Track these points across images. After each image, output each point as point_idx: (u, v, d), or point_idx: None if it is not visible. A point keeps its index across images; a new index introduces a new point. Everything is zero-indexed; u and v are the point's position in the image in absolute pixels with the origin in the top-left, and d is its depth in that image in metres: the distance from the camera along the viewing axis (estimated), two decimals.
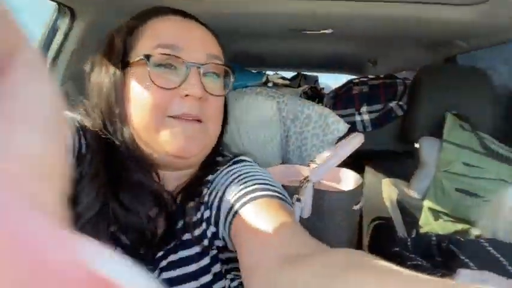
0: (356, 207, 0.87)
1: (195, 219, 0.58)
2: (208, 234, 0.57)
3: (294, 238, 0.44)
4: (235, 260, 0.54)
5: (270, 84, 1.81)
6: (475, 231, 1.00)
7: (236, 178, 0.57)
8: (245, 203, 0.51)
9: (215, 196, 0.57)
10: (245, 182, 0.55)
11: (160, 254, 0.56)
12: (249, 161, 0.65)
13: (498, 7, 1.03)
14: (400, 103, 1.57)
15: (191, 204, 0.58)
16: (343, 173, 0.99)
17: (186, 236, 0.57)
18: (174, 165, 0.59)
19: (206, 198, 0.58)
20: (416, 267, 0.87)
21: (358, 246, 0.95)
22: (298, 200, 0.79)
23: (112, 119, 0.57)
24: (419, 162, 1.26)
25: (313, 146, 1.52)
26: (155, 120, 0.54)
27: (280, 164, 1.49)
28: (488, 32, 1.29)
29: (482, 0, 1.03)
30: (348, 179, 0.97)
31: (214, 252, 0.58)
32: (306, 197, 0.79)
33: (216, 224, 0.56)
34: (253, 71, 1.81)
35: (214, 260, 0.58)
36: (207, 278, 0.57)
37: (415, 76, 1.40)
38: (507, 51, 1.63)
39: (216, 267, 0.58)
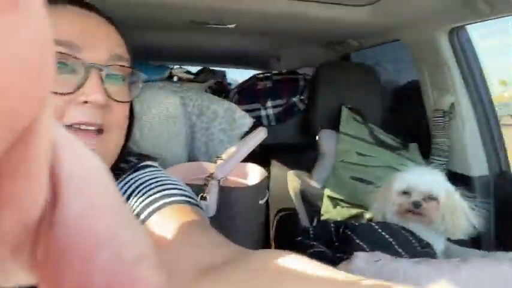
0: (262, 202, 0.87)
1: None
2: None
3: (207, 247, 0.41)
4: None
5: (174, 79, 1.74)
6: (367, 215, 1.08)
7: (139, 186, 0.52)
8: (150, 214, 0.47)
9: None
10: (149, 190, 0.51)
11: None
12: (153, 166, 0.59)
13: (385, 9, 1.12)
14: (302, 98, 1.63)
15: None
16: (248, 167, 0.99)
17: None
18: None
19: None
20: (317, 255, 0.91)
21: (266, 239, 0.97)
22: (204, 198, 0.77)
23: None
24: (320, 154, 1.33)
25: (220, 142, 1.51)
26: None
27: (187, 161, 1.45)
28: (377, 32, 1.42)
29: (370, 2, 1.12)
30: (253, 174, 0.98)
31: None
32: (211, 194, 0.77)
33: None
34: (156, 64, 1.72)
35: None
36: None
37: (313, 72, 1.47)
38: (392, 50, 1.81)
39: None
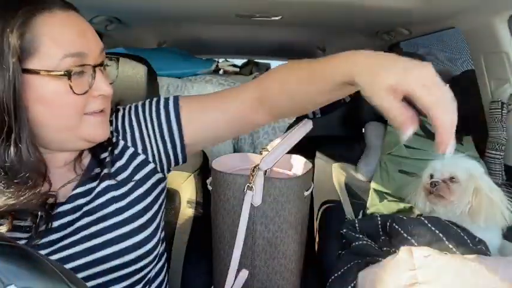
0: (307, 193, 0.88)
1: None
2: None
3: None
4: None
5: (220, 72, 1.78)
6: (417, 210, 1.05)
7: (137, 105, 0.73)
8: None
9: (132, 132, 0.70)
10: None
11: None
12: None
13: None
14: None
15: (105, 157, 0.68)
16: (293, 159, 1.00)
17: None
18: (81, 148, 0.67)
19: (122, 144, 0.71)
20: (362, 247, 0.91)
21: (310, 230, 0.97)
22: (250, 188, 0.79)
23: (3, 121, 0.55)
24: (366, 146, 1.31)
25: (265, 134, 1.53)
26: (74, 120, 0.60)
27: (233, 152, 1.48)
28: (429, 19, 1.36)
29: None
30: (298, 165, 0.98)
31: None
32: (257, 185, 0.79)
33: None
34: (203, 58, 1.77)
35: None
36: None
37: None
38: (445, 38, 1.72)
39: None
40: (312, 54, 2.89)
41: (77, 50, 0.58)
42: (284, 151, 0.81)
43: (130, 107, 0.74)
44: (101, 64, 0.63)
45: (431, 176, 0.97)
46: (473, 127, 1.35)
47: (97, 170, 0.68)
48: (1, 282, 0.22)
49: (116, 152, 0.70)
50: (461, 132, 1.32)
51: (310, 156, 1.17)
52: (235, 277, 0.82)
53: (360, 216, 1.08)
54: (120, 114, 0.73)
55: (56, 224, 0.62)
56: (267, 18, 1.48)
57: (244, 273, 0.79)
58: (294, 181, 0.82)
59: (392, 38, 1.74)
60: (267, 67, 2.53)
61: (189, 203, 1.05)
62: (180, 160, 0.73)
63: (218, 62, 1.70)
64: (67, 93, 0.57)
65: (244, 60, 2.40)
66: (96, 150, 0.69)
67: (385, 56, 0.54)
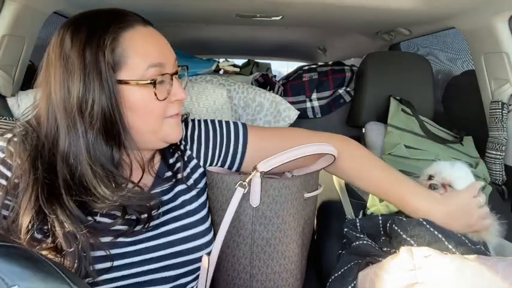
0: (308, 195, 0.87)
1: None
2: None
3: None
4: None
5: (220, 72, 1.78)
6: None
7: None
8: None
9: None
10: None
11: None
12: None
13: None
14: (348, 89, 1.61)
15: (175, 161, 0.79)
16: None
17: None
18: (159, 147, 0.76)
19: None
20: (363, 247, 0.91)
21: (312, 231, 0.97)
22: (242, 185, 0.77)
23: (111, 131, 0.64)
24: (366, 146, 1.31)
25: None
26: (158, 123, 0.69)
27: None
28: (430, 20, 1.36)
29: None
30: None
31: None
32: (254, 186, 0.78)
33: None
34: (203, 58, 1.77)
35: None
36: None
37: (361, 63, 1.44)
38: (446, 38, 1.72)
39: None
40: (313, 54, 2.89)
41: (158, 61, 0.66)
42: (287, 159, 0.78)
43: (200, 121, 0.85)
44: (176, 72, 0.72)
45: (430, 177, 0.97)
46: (473, 127, 1.35)
47: (168, 174, 0.78)
48: (5, 284, 0.22)
49: (186, 156, 0.80)
50: (461, 132, 1.32)
51: None
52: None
53: (360, 216, 1.08)
54: (189, 124, 0.84)
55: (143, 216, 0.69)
56: (267, 19, 1.49)
57: (205, 258, 0.78)
58: (291, 181, 0.82)
59: (392, 38, 1.74)
60: (268, 67, 2.53)
61: None
62: None
63: (218, 62, 1.70)
64: (152, 99, 0.66)
65: (245, 60, 2.40)
66: (166, 155, 0.79)
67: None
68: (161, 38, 0.71)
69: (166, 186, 0.76)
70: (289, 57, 3.37)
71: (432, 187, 0.93)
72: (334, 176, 1.26)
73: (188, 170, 0.80)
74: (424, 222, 0.84)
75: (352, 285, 0.82)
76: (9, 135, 0.67)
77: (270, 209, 0.80)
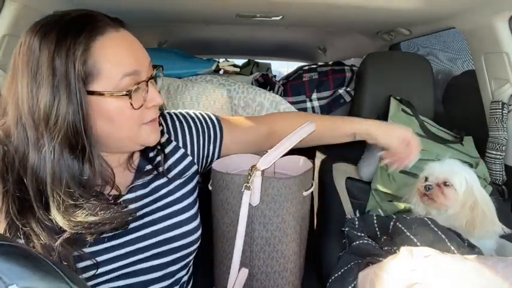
0: (306, 193, 0.88)
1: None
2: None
3: None
4: None
5: (221, 72, 1.78)
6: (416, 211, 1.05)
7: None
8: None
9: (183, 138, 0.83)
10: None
11: None
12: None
13: None
14: (348, 89, 1.61)
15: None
16: (293, 159, 1.00)
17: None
18: (136, 150, 0.76)
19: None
20: (364, 247, 0.91)
21: (310, 230, 0.97)
22: (247, 187, 0.79)
23: (76, 146, 0.62)
24: (366, 146, 1.31)
25: None
26: (134, 130, 0.68)
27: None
28: (430, 20, 1.36)
29: None
30: (298, 165, 0.98)
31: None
32: (255, 185, 0.79)
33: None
34: (203, 58, 1.77)
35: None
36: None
37: (361, 63, 1.44)
38: (446, 38, 1.73)
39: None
40: (313, 54, 2.89)
41: (133, 69, 0.64)
42: (283, 152, 0.81)
43: (179, 113, 0.86)
44: (152, 77, 0.69)
45: (426, 179, 0.98)
46: (473, 127, 1.35)
47: (148, 167, 0.78)
48: (3, 282, 0.22)
49: (167, 150, 0.80)
50: (461, 132, 1.32)
51: (310, 156, 1.17)
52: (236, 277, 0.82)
53: (357, 215, 1.08)
54: (168, 117, 0.84)
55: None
56: (267, 19, 1.48)
57: (244, 272, 0.79)
58: (291, 181, 0.82)
59: (392, 38, 1.74)
60: (268, 67, 2.53)
61: None
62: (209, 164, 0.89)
63: (218, 62, 1.70)
64: (127, 108, 0.64)
65: (245, 61, 2.40)
66: (145, 150, 0.78)
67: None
68: (135, 43, 0.68)
69: (146, 179, 0.76)
70: (289, 57, 3.37)
71: (427, 188, 0.96)
72: (334, 176, 1.25)
73: (174, 159, 0.81)
74: (429, 222, 0.85)
75: (353, 285, 0.82)
76: None
77: (270, 208, 0.80)
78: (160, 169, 0.77)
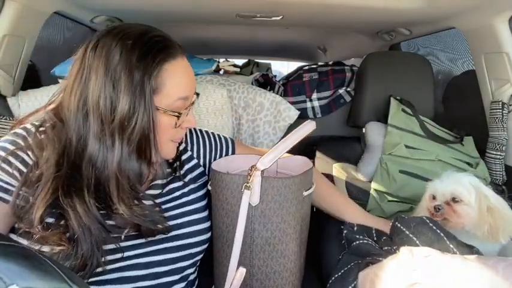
0: (306, 193, 0.88)
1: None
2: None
3: None
4: None
5: (221, 72, 1.78)
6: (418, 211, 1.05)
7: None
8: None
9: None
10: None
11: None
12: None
13: None
14: (348, 89, 1.61)
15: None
16: (293, 159, 1.00)
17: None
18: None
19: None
20: (363, 247, 0.91)
21: (310, 230, 0.97)
22: (247, 187, 0.78)
23: (145, 150, 0.71)
24: (366, 146, 1.31)
25: (265, 134, 1.53)
26: (163, 144, 0.75)
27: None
28: (430, 20, 1.36)
29: None
30: (298, 165, 0.98)
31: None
32: (254, 184, 0.79)
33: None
34: (203, 58, 1.77)
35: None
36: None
37: (361, 63, 1.44)
38: (446, 38, 1.72)
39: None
40: (313, 54, 2.89)
41: (186, 94, 0.73)
42: (282, 151, 0.80)
43: (198, 129, 0.96)
44: (193, 103, 0.77)
45: (433, 197, 0.95)
46: (473, 127, 1.35)
47: (168, 170, 0.84)
48: (3, 282, 0.22)
49: (184, 157, 0.89)
50: (461, 132, 1.32)
51: (310, 156, 1.17)
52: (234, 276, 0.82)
53: None
54: (187, 130, 0.91)
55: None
56: (267, 19, 1.49)
57: (242, 271, 0.79)
58: (291, 180, 0.82)
59: (392, 38, 1.74)
60: (268, 67, 2.53)
61: None
62: None
63: (219, 62, 1.70)
64: (171, 126, 0.73)
65: (245, 61, 2.40)
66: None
67: None
68: (191, 70, 0.76)
69: (165, 180, 0.83)
70: (289, 57, 3.37)
71: (436, 209, 0.92)
72: (334, 176, 1.26)
73: (190, 165, 0.89)
74: (428, 221, 0.85)
75: (353, 285, 0.82)
76: (37, 123, 0.72)
77: (269, 208, 0.80)
78: (177, 173, 0.84)
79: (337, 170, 1.27)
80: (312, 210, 1.03)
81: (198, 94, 0.81)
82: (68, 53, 1.40)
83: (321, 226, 1.11)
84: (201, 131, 0.96)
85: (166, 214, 0.80)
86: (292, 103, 1.59)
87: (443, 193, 0.93)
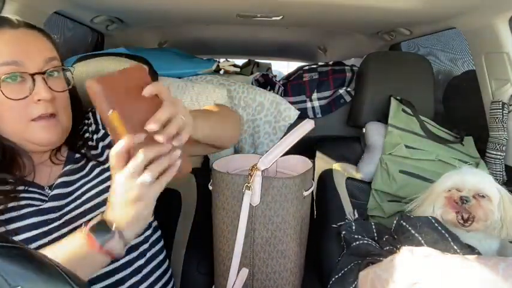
0: (306, 193, 0.88)
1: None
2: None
3: None
4: None
5: (221, 72, 1.78)
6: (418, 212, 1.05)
7: None
8: None
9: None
10: None
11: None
12: None
13: None
14: (348, 89, 1.61)
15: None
16: (293, 159, 1.00)
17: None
18: (40, 150, 0.75)
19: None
20: (363, 247, 0.91)
21: (310, 230, 0.97)
22: (248, 187, 0.79)
23: None
24: (366, 146, 1.31)
25: (265, 134, 1.53)
26: (20, 126, 0.69)
27: (234, 153, 1.49)
28: (430, 20, 1.36)
29: None
30: (298, 165, 0.98)
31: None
32: (255, 184, 0.79)
33: None
34: (203, 58, 1.77)
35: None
36: None
37: (361, 63, 1.44)
38: (446, 38, 1.73)
39: None
40: (313, 54, 2.89)
41: (11, 59, 0.66)
42: (282, 151, 0.81)
43: None
44: (44, 72, 0.69)
45: (449, 190, 0.89)
46: (474, 127, 1.35)
47: (77, 155, 0.80)
48: (7, 284, 0.22)
49: (98, 136, 0.83)
50: (462, 132, 1.32)
51: (310, 156, 1.17)
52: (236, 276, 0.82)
53: (355, 215, 1.08)
54: (97, 112, 0.85)
55: (46, 205, 0.72)
56: (268, 19, 1.49)
57: (244, 272, 0.79)
58: (291, 180, 0.82)
59: (393, 38, 1.74)
60: (268, 67, 2.53)
61: (190, 203, 1.05)
62: None
63: (219, 62, 1.70)
64: (4, 98, 0.66)
65: (245, 61, 2.40)
66: (71, 141, 0.80)
67: None
68: (28, 40, 0.70)
69: (79, 164, 0.79)
70: (289, 57, 3.37)
71: (463, 200, 0.85)
72: (334, 176, 1.26)
73: (105, 142, 0.83)
74: (433, 221, 0.85)
75: (353, 286, 0.82)
76: None
77: (270, 208, 0.80)
78: (89, 155, 0.80)
79: (337, 170, 1.27)
80: (312, 210, 1.03)
81: (65, 69, 0.76)
82: (67, 53, 1.40)
83: (321, 226, 1.11)
84: None
85: (92, 192, 0.76)
86: (292, 103, 1.59)
87: (470, 187, 0.86)
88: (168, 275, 0.89)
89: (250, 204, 0.80)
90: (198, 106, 1.37)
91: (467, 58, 1.56)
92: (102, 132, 0.85)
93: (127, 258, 0.77)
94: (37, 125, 0.70)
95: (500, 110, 1.20)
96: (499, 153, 1.21)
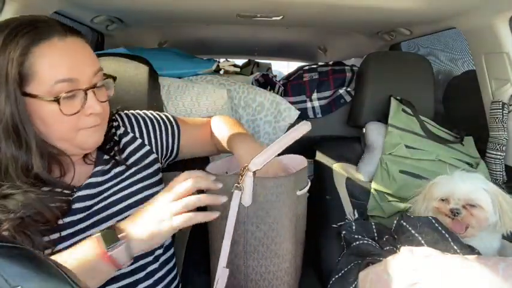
0: (300, 193, 0.87)
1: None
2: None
3: None
4: None
5: (221, 72, 1.78)
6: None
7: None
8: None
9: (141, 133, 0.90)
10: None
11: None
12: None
13: None
14: (349, 89, 1.61)
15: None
16: (287, 158, 0.99)
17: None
18: (82, 153, 0.79)
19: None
20: (363, 247, 0.91)
21: (310, 230, 0.97)
22: (238, 188, 0.77)
23: (20, 140, 0.66)
24: (366, 146, 1.31)
25: (265, 134, 1.53)
26: (69, 134, 0.71)
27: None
28: (430, 20, 1.36)
29: None
30: (293, 164, 0.98)
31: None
32: (246, 185, 0.78)
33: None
34: (203, 58, 1.77)
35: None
36: None
37: (361, 63, 1.44)
38: (446, 38, 1.73)
39: None
40: (313, 54, 2.89)
41: (67, 76, 0.66)
42: (275, 152, 0.79)
43: (136, 112, 0.93)
44: (94, 85, 0.71)
45: (444, 200, 0.91)
46: (474, 127, 1.35)
47: (106, 157, 0.82)
48: (8, 284, 0.22)
49: (125, 140, 0.86)
50: (462, 132, 1.32)
51: (310, 156, 1.17)
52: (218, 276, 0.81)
53: (355, 215, 1.08)
54: (124, 115, 0.90)
55: (74, 206, 0.73)
56: (268, 19, 1.49)
57: (224, 272, 0.78)
58: (283, 180, 0.81)
59: (393, 38, 1.74)
60: (268, 67, 2.53)
61: None
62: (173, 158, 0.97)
63: (219, 62, 1.70)
64: (59, 114, 0.66)
65: (245, 61, 2.40)
66: (102, 144, 0.81)
67: None
68: (79, 52, 0.70)
69: (106, 167, 0.81)
70: (289, 57, 3.37)
71: (454, 213, 0.87)
72: (334, 176, 1.26)
73: (131, 148, 0.87)
74: (433, 221, 0.85)
75: (353, 286, 0.82)
76: None
77: (262, 208, 0.80)
78: (118, 158, 0.82)
79: (338, 170, 1.27)
80: (312, 210, 1.03)
81: (114, 78, 0.78)
82: None
83: (321, 226, 1.11)
84: (138, 113, 0.93)
85: (116, 197, 0.79)
86: (293, 103, 1.59)
87: (460, 197, 0.88)
88: (177, 281, 0.91)
89: (242, 204, 0.79)
90: (198, 106, 1.37)
91: (467, 58, 1.56)
92: (130, 135, 0.88)
93: (141, 262, 0.79)
94: (85, 133, 0.73)
95: (500, 110, 1.20)
96: (499, 153, 1.21)
